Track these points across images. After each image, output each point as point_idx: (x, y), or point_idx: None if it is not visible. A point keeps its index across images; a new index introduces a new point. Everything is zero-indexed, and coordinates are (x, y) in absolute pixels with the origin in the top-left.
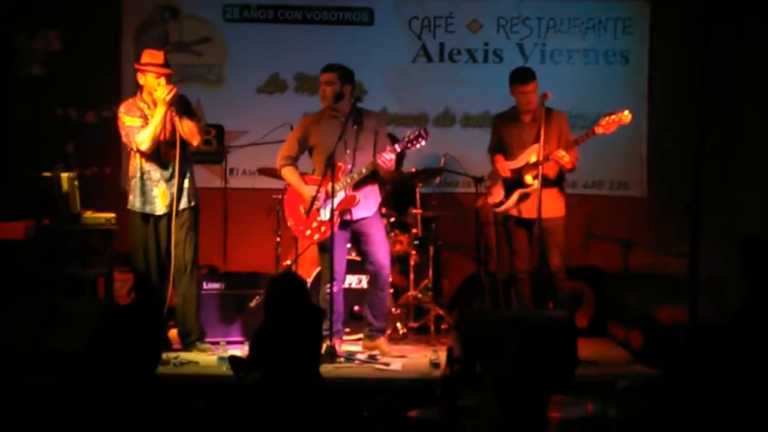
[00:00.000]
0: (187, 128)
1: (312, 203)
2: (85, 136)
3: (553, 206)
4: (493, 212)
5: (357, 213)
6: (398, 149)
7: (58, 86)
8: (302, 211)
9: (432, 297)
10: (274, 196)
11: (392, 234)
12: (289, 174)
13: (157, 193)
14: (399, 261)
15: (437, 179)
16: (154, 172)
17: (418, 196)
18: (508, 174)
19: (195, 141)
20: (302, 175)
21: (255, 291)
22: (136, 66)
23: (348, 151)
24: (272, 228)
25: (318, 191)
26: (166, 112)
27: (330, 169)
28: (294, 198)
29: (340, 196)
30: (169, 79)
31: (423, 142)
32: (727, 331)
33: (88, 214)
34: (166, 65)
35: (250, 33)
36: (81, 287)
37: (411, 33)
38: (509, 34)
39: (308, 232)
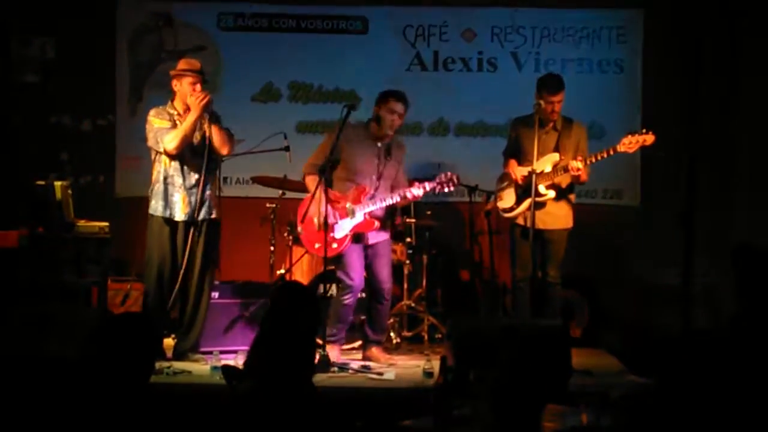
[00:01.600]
0: (219, 136)
1: (334, 220)
2: (80, 144)
3: (561, 218)
4: (487, 220)
5: (374, 237)
6: (428, 189)
7: (52, 94)
8: (316, 223)
9: (425, 306)
10: (268, 205)
11: None
12: (312, 183)
13: (177, 198)
14: (393, 270)
15: None
16: (177, 177)
17: (412, 205)
18: (521, 180)
19: (225, 149)
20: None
21: (248, 300)
22: (172, 73)
23: (374, 177)
24: (266, 237)
25: (332, 206)
26: (198, 117)
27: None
28: (310, 206)
29: (359, 218)
30: (204, 87)
31: (452, 189)
32: (721, 340)
33: (82, 223)
34: (201, 72)
35: (244, 41)
36: (75, 296)
37: (405, 41)
38: (503, 43)
39: (317, 245)
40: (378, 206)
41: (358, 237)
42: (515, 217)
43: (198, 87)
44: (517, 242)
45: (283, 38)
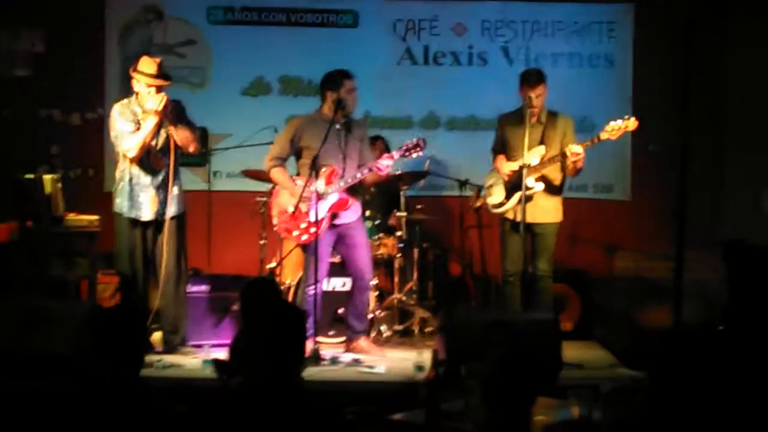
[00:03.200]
0: (182, 136)
1: (307, 204)
2: (69, 138)
3: (552, 212)
4: (477, 215)
5: (345, 217)
6: (396, 157)
7: (42, 87)
8: (290, 210)
9: (416, 300)
10: (258, 199)
11: (377, 237)
12: (279, 174)
13: (144, 198)
14: (383, 264)
15: (422, 182)
16: (144, 177)
17: (402, 199)
18: (508, 175)
19: (191, 148)
20: (291, 177)
21: (239, 294)
22: (130, 72)
23: (339, 157)
24: (257, 230)
25: (305, 190)
26: (157, 123)
27: (314, 171)
28: (281, 197)
29: (333, 198)
30: (161, 89)
31: (420, 153)
32: (712, 334)
33: (72, 217)
34: (160, 75)
35: (233, 35)
36: (64, 290)
37: (395, 35)
38: (494, 37)
39: (295, 232)
40: (349, 183)
41: (330, 226)
42: (505, 212)
43: (153, 90)
44: (507, 236)
45: (273, 32)
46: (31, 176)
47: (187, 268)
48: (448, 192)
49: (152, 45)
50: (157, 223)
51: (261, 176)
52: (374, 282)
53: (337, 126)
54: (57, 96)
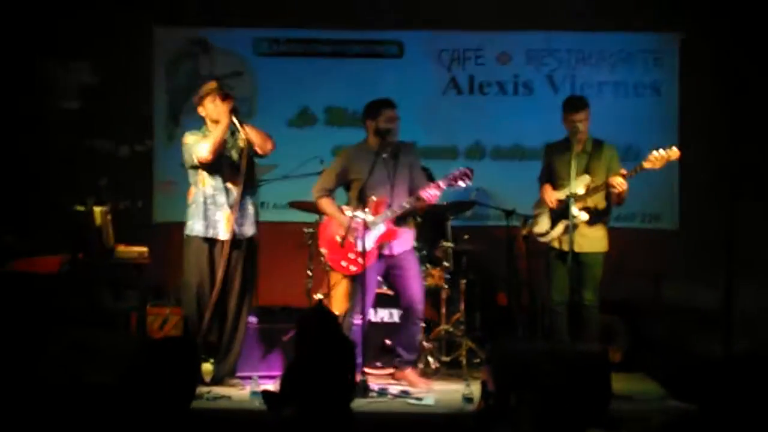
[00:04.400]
0: (257, 134)
1: (355, 235)
2: (118, 169)
3: (597, 241)
4: (525, 244)
5: (396, 247)
6: (442, 186)
7: (90, 119)
8: (338, 240)
9: (464, 331)
10: (305, 230)
11: (424, 267)
12: (327, 204)
13: (220, 217)
14: (430, 294)
15: (468, 212)
16: (219, 196)
17: (449, 229)
18: (554, 204)
19: (268, 145)
20: (339, 207)
21: (287, 325)
22: (195, 100)
23: (387, 185)
24: (304, 262)
25: (354, 220)
26: (228, 122)
27: (362, 201)
28: (329, 228)
29: (381, 228)
30: (224, 97)
31: (468, 182)
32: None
33: (121, 248)
34: (221, 88)
35: (279, 66)
36: (114, 321)
37: (440, 65)
38: (539, 66)
39: (343, 263)
40: (397, 213)
41: (379, 256)
42: (551, 241)
43: (218, 100)
44: (553, 265)
45: (319, 63)
46: (82, 208)
47: (252, 298)
48: (494, 222)
49: (199, 77)
50: (233, 244)
51: (307, 207)
52: None
53: (384, 155)
54: (105, 128)
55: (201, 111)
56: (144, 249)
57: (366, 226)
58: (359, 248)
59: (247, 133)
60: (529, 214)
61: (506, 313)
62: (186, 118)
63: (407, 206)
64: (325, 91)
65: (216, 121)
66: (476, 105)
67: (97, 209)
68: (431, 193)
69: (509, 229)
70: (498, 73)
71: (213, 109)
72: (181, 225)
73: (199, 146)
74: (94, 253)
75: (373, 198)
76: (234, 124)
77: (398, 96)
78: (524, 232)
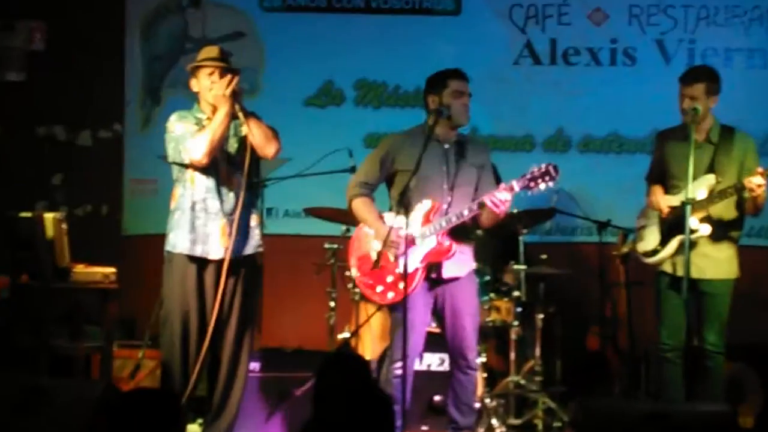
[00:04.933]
0: (259, 131)
1: (395, 251)
2: (77, 163)
3: (724, 264)
4: (624, 267)
5: (448, 270)
6: (516, 188)
7: (41, 97)
8: (374, 258)
9: (540, 384)
10: (326, 245)
11: (486, 298)
12: (363, 207)
13: (213, 229)
14: (495, 335)
15: (548, 224)
16: (212, 200)
17: (521, 246)
18: (666, 214)
19: (272, 147)
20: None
21: (301, 374)
22: (188, 68)
23: (445, 186)
24: (324, 288)
25: (394, 231)
26: (228, 111)
27: (404, 205)
28: (363, 241)
29: (430, 243)
30: (225, 73)
31: (551, 183)
32: None
33: (80, 269)
34: (223, 59)
35: (294, 26)
36: (70, 365)
37: (512, 25)
38: (645, 28)
39: (379, 288)
40: (453, 223)
41: (429, 281)
42: (661, 263)
43: (216, 74)
44: (664, 296)
45: (348, 22)
46: (28, 215)
47: (254, 339)
48: (582, 237)
49: (187, 40)
50: (230, 266)
51: (330, 215)
52: (482, 360)
53: (446, 145)
54: (61, 108)
55: (194, 85)
56: (110, 270)
57: (411, 240)
58: (401, 269)
59: (250, 129)
60: (631, 226)
61: (598, 361)
62: (169, 94)
63: (467, 213)
64: (356, 60)
65: (213, 107)
66: (560, 79)
67: (49, 216)
68: (500, 199)
69: (603, 247)
70: (590, 36)
71: (208, 87)
72: (160, 238)
73: (191, 142)
74: (44, 274)
75: (425, 201)
76: (237, 113)
77: (454, 66)
78: (624, 250)
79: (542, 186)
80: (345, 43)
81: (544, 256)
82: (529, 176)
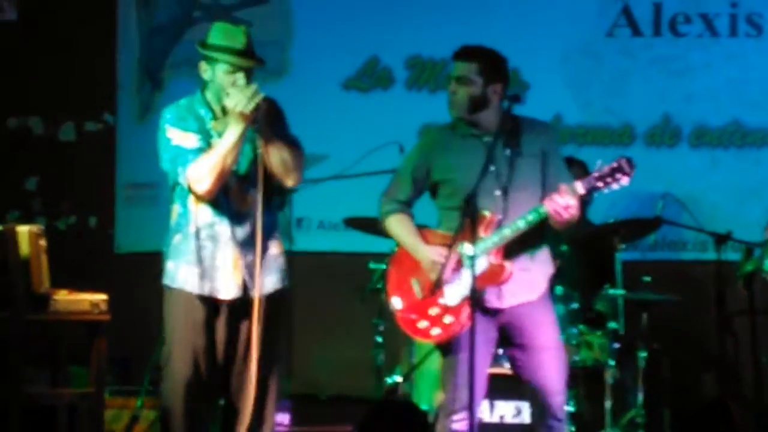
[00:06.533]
0: (280, 158)
1: (439, 278)
2: (58, 163)
3: None
4: (748, 292)
5: (510, 295)
6: (583, 190)
7: (12, 80)
8: (417, 288)
9: None
10: (372, 265)
11: (573, 331)
12: (399, 226)
13: (223, 261)
14: (586, 378)
15: (651, 237)
16: (221, 225)
17: (618, 265)
18: None
19: (290, 179)
20: (421, 229)
21: (339, 428)
22: (201, 49)
23: (497, 192)
24: (369, 319)
25: (445, 256)
26: (243, 134)
27: (469, 220)
28: (405, 265)
29: (482, 265)
30: (252, 77)
31: (625, 180)
32: None
33: (62, 296)
34: (249, 52)
35: None
36: (52, 418)
37: None
38: None
39: (424, 323)
40: (508, 238)
41: (486, 311)
42: None
43: (241, 79)
44: None
45: None
46: None
47: (281, 382)
48: (695, 253)
49: (195, 6)
50: (243, 305)
51: (376, 227)
52: (570, 409)
53: (485, 138)
54: (37, 95)
55: (204, 71)
56: (100, 297)
57: (459, 262)
58: (449, 300)
59: (268, 155)
60: (757, 239)
61: (717, 412)
62: (172, 76)
63: (522, 225)
64: (407, 33)
65: (223, 107)
66: (665, 55)
67: (23, 230)
68: (562, 203)
69: (721, 266)
70: (703, 0)
71: (223, 87)
72: (159, 256)
73: (192, 168)
74: (16, 303)
75: (484, 213)
76: (254, 132)
77: (530, 40)
78: (748, 270)
79: (614, 185)
80: (394, 13)
81: (647, 279)
82: (596, 175)
